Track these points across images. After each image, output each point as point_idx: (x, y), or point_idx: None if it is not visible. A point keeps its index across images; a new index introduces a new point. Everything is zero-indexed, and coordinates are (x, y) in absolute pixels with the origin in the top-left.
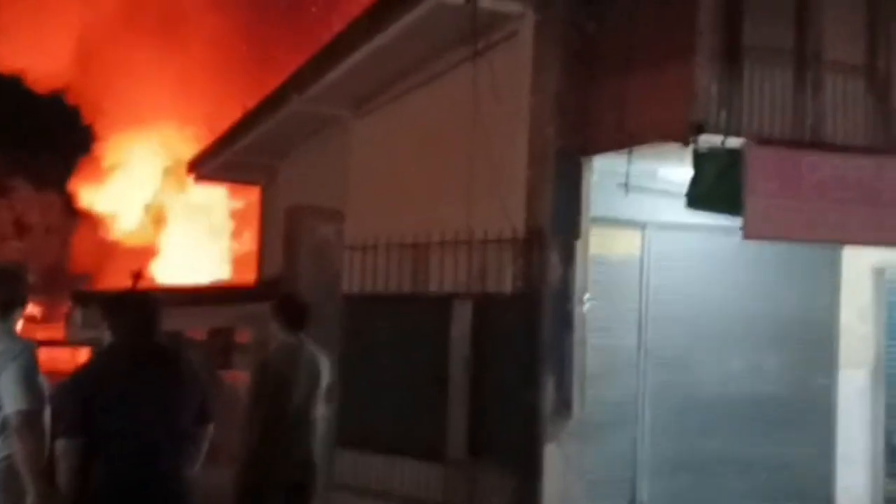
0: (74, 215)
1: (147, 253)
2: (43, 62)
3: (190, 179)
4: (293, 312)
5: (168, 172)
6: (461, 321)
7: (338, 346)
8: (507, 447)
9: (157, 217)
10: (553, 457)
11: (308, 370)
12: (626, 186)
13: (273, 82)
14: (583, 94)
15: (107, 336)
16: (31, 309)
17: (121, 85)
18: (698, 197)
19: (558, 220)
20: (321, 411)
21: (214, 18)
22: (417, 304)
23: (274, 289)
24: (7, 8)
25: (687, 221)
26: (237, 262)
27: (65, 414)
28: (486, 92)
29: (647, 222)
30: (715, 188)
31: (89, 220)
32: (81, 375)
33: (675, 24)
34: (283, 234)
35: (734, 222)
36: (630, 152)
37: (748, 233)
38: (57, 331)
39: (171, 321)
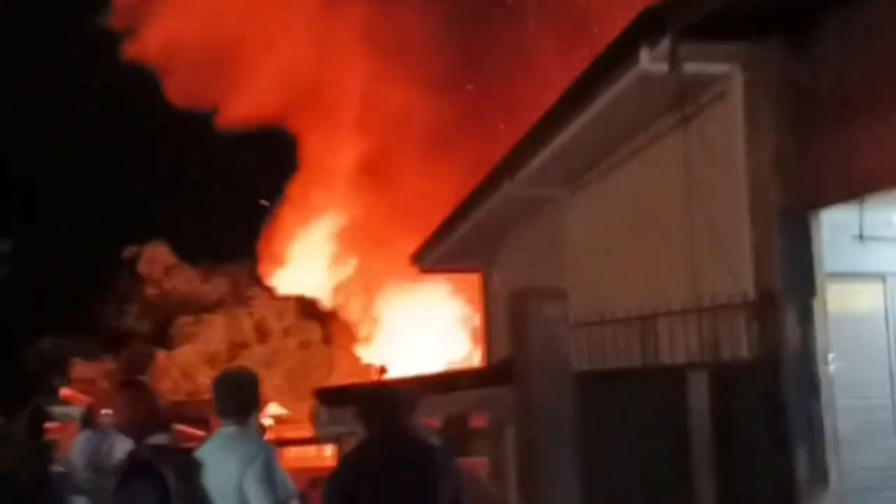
0: (308, 316)
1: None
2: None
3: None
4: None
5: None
6: (698, 392)
7: (573, 425)
8: None
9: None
10: None
11: None
12: (861, 238)
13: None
14: (802, 148)
15: (355, 431)
16: (278, 409)
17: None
18: None
19: (790, 279)
20: None
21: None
22: (650, 378)
23: (506, 372)
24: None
25: None
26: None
27: None
28: (699, 156)
29: (887, 273)
30: None
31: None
32: (340, 472)
33: None
34: (510, 317)
35: None
36: (862, 202)
37: None
38: (305, 429)
39: None
